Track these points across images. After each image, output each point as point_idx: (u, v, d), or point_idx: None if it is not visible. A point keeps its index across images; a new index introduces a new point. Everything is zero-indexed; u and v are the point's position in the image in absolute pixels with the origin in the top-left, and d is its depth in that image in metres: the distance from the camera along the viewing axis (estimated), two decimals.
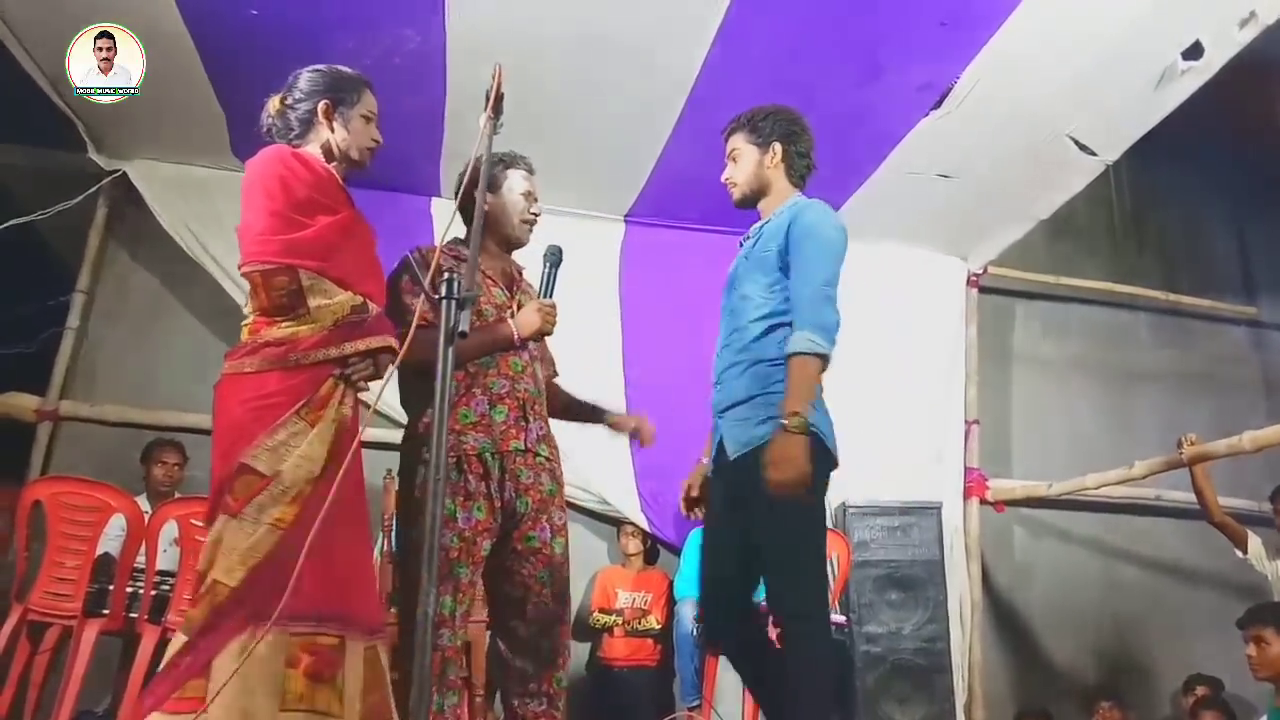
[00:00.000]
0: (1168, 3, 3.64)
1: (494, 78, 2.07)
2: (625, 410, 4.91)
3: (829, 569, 4.32)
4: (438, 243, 2.58)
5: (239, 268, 2.14)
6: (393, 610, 3.54)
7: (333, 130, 2.31)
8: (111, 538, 3.70)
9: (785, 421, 2.28)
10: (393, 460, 4.29)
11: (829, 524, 4.72)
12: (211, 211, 4.79)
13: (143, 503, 4.03)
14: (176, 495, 4.21)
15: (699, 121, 4.34)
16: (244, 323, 2.19)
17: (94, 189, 4.92)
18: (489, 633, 3.22)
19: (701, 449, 2.84)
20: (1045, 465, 5.72)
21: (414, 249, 2.60)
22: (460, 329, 1.70)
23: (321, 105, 2.30)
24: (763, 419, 2.43)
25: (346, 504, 2.08)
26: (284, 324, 2.11)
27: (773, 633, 2.73)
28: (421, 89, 4.23)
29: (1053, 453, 5.91)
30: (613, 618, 4.79)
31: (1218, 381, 6.40)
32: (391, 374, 2.18)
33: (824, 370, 2.42)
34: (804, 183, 2.79)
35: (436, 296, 1.75)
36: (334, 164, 2.31)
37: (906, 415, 5.41)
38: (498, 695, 2.79)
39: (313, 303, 2.11)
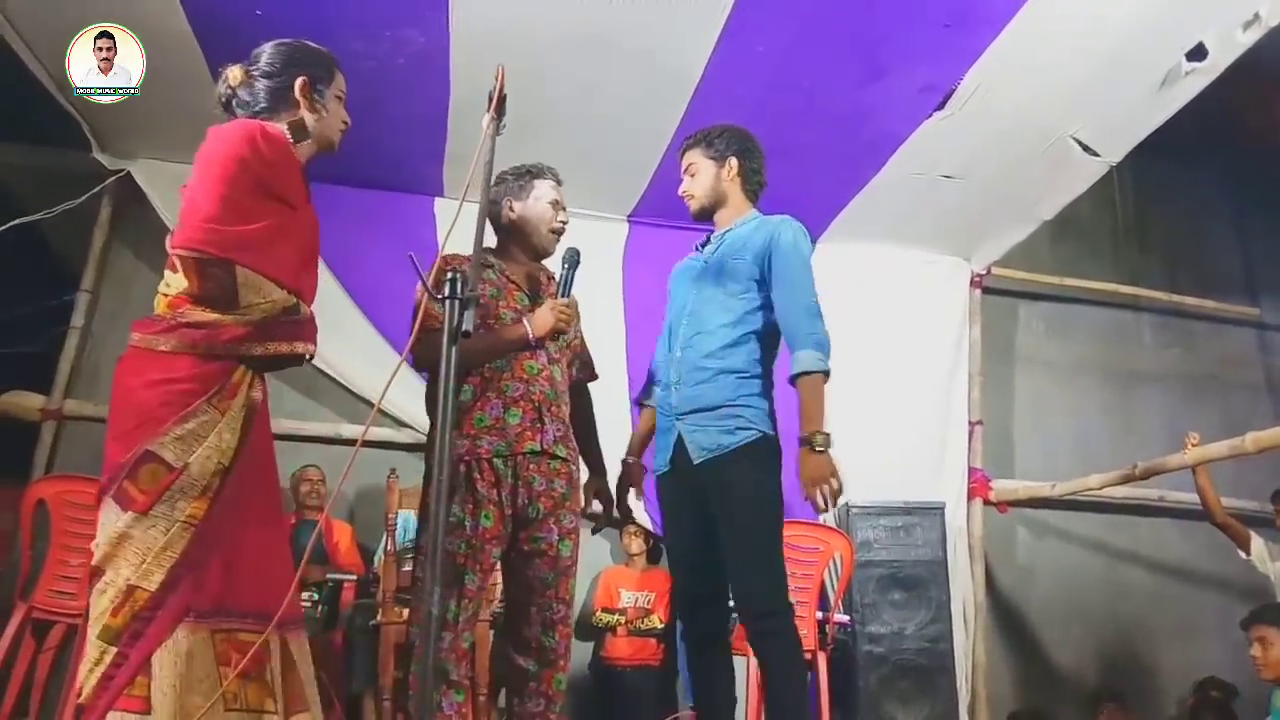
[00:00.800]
0: (1172, 4, 3.64)
1: (497, 78, 2.07)
2: (629, 415, 4.95)
3: (832, 569, 4.33)
4: (440, 243, 2.60)
5: (172, 246, 1.98)
6: (398, 610, 3.57)
7: (311, 109, 2.18)
8: None
9: (813, 442, 2.42)
10: (395, 459, 4.36)
11: (832, 524, 4.75)
12: None
13: None
14: None
15: (703, 122, 4.26)
16: (163, 292, 2.06)
17: (98, 188, 4.92)
18: (493, 631, 3.24)
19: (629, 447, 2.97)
20: (1048, 466, 5.72)
21: (441, 256, 2.55)
22: (464, 328, 1.70)
23: (299, 81, 2.16)
24: (732, 428, 2.56)
25: (259, 492, 2.03)
26: (209, 310, 1.98)
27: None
28: (425, 89, 4.24)
29: (1056, 453, 5.91)
30: (616, 617, 4.80)
31: (1221, 383, 6.39)
32: (395, 373, 2.17)
33: (825, 383, 2.53)
34: (757, 198, 2.89)
35: (440, 296, 1.75)
36: (302, 144, 2.17)
37: (910, 416, 5.42)
38: (501, 693, 2.82)
39: (244, 299, 1.97)
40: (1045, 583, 5.83)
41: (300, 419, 4.86)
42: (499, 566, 2.68)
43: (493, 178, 2.15)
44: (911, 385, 5.47)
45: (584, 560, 5.20)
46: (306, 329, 2.10)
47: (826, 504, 2.42)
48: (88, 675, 1.83)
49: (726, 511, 2.54)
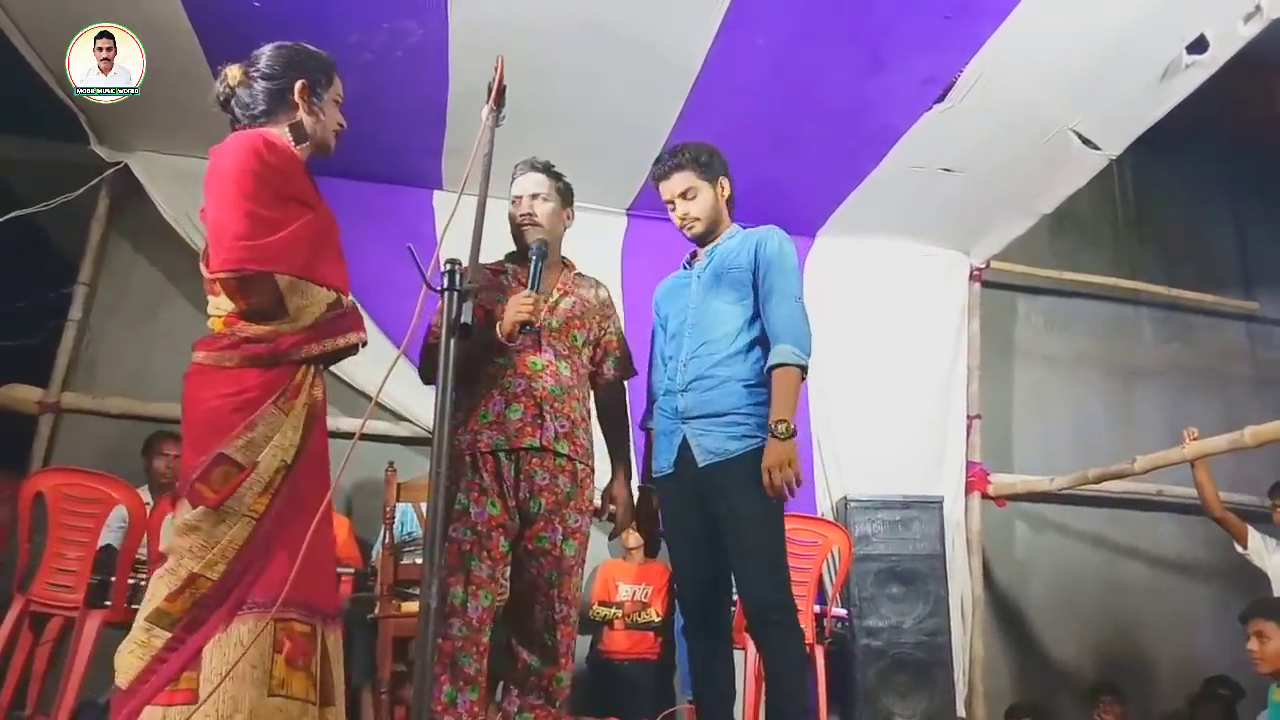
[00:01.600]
0: None
1: (496, 70, 2.07)
2: (628, 402, 4.96)
3: (830, 563, 4.34)
4: (439, 236, 2.60)
5: (210, 271, 2.05)
6: (396, 603, 3.58)
7: (309, 112, 2.22)
8: (113, 529, 3.71)
9: (775, 429, 2.49)
10: (392, 452, 4.36)
11: (830, 517, 4.75)
12: None
13: (144, 494, 4.04)
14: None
15: (702, 114, 4.33)
16: (214, 314, 2.13)
17: (96, 181, 4.91)
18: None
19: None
20: (1047, 460, 5.73)
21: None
22: (463, 320, 1.70)
23: (298, 85, 2.20)
24: (738, 435, 2.63)
25: (315, 489, 2.10)
26: (263, 323, 2.07)
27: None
28: (423, 82, 4.23)
29: (1055, 447, 5.91)
30: (613, 610, 4.80)
31: (1219, 376, 6.40)
32: (393, 366, 2.17)
33: (803, 379, 2.60)
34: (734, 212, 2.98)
35: (438, 289, 1.75)
36: (302, 146, 2.22)
37: (908, 410, 5.42)
38: (500, 687, 2.83)
39: (292, 304, 2.07)
40: (1043, 577, 5.83)
41: None
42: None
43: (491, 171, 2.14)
44: (910, 379, 5.47)
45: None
46: (353, 319, 2.21)
47: (784, 491, 2.48)
48: (128, 658, 1.90)
49: (731, 514, 2.61)
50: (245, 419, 2.02)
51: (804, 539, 4.03)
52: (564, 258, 2.95)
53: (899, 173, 4.84)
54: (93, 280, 5.00)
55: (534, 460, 2.59)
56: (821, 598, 4.17)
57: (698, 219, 2.84)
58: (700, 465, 2.66)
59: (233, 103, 2.22)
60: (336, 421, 4.87)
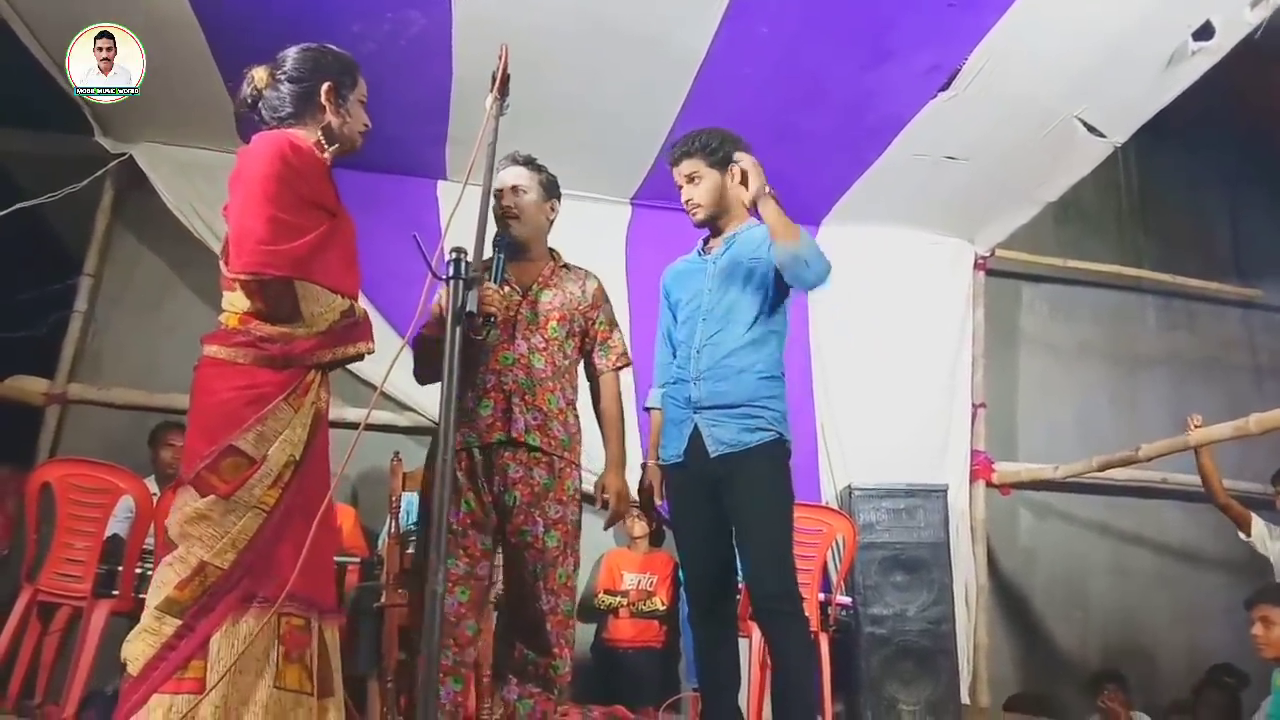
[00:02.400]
0: None
1: (500, 59, 2.07)
2: (634, 396, 4.96)
3: (835, 551, 4.34)
4: (443, 226, 2.60)
5: (231, 271, 2.09)
6: (402, 592, 3.59)
7: (336, 114, 2.27)
8: (120, 519, 3.73)
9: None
10: (398, 442, 4.37)
11: (835, 506, 4.76)
12: (218, 194, 4.69)
13: (151, 485, 4.05)
14: None
15: (706, 103, 4.32)
16: (229, 310, 2.16)
17: (100, 172, 4.91)
18: (495, 613, 3.26)
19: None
20: (1051, 448, 5.73)
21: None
22: (468, 309, 1.70)
23: (325, 87, 2.25)
24: (752, 428, 2.64)
25: (318, 486, 2.15)
26: (278, 325, 2.11)
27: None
28: (427, 72, 4.23)
29: (1059, 436, 5.91)
30: (618, 599, 4.82)
31: (1224, 364, 6.39)
32: (398, 356, 2.18)
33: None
34: None
35: (443, 278, 1.75)
36: (331, 148, 2.28)
37: (913, 398, 5.42)
38: (501, 676, 2.85)
39: (307, 310, 2.11)
40: (1047, 565, 5.84)
41: None
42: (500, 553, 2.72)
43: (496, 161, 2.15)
44: (915, 368, 5.47)
45: (587, 542, 5.22)
46: (364, 328, 2.25)
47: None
48: (139, 645, 1.93)
49: (741, 505, 2.62)
50: (257, 413, 2.06)
51: (809, 527, 4.04)
52: (551, 249, 2.94)
53: (903, 162, 4.83)
54: (98, 271, 5.01)
55: (505, 454, 2.60)
56: (826, 586, 4.17)
57: (700, 205, 2.84)
58: (711, 455, 2.66)
59: (260, 104, 2.27)
60: (341, 412, 4.86)
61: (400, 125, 4.60)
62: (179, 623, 1.93)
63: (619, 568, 4.93)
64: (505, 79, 2.07)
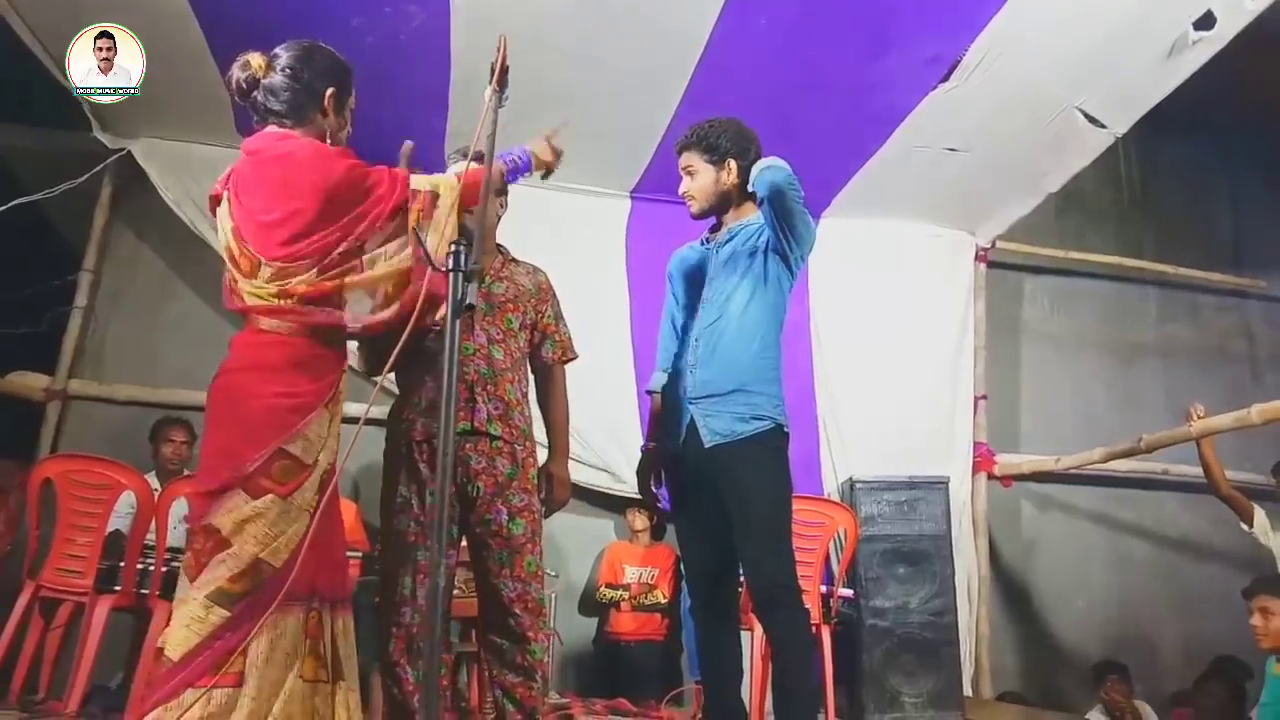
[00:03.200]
0: None
1: (498, 49, 2.06)
2: (635, 388, 4.97)
3: (837, 544, 4.35)
4: None
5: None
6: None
7: (337, 122, 2.31)
8: (122, 515, 3.72)
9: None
10: None
11: (836, 499, 4.76)
12: None
13: (152, 480, 4.05)
14: (185, 472, 4.23)
15: (705, 95, 4.31)
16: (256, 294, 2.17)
17: (99, 168, 4.92)
18: None
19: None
20: (1053, 440, 5.72)
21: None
22: (467, 301, 1.70)
23: (329, 92, 2.26)
24: (747, 417, 2.63)
25: (335, 485, 2.21)
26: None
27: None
28: (426, 65, 4.22)
29: (1060, 427, 5.91)
30: (620, 592, 4.83)
31: (1225, 355, 6.39)
32: (399, 350, 2.17)
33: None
34: None
35: (443, 270, 1.75)
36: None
37: (914, 390, 5.42)
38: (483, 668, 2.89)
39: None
40: (1049, 556, 5.84)
41: None
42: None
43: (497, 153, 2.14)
44: (916, 360, 5.47)
45: (589, 536, 5.25)
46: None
47: None
48: (183, 632, 1.97)
49: (739, 496, 2.61)
50: (303, 419, 2.12)
51: (811, 520, 4.04)
52: (499, 244, 2.96)
53: (904, 153, 4.82)
54: (97, 267, 5.01)
55: (468, 445, 2.62)
56: (828, 578, 4.18)
57: (694, 197, 2.86)
58: (707, 445, 2.65)
59: (254, 92, 2.24)
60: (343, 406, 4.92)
61: (399, 119, 4.57)
62: (227, 614, 1.97)
63: (620, 561, 4.94)
64: (504, 71, 2.06)
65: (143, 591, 3.53)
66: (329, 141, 2.28)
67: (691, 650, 4.55)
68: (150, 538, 3.60)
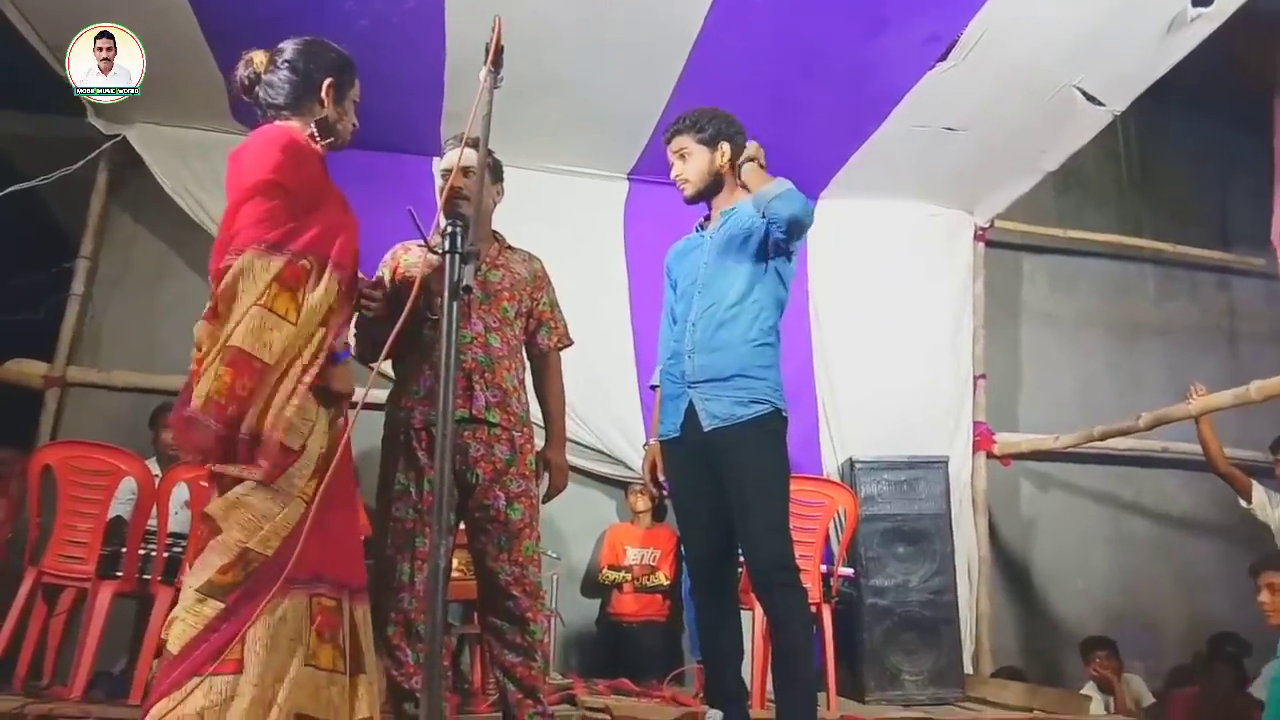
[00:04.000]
0: None
1: (494, 30, 2.04)
2: (635, 370, 4.97)
3: (837, 523, 4.36)
4: (439, 202, 2.58)
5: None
6: None
7: (336, 112, 2.31)
8: (123, 501, 3.73)
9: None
10: None
11: (836, 479, 4.76)
12: (212, 174, 4.77)
13: (153, 466, 4.05)
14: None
15: (702, 76, 4.29)
16: None
17: (95, 154, 4.90)
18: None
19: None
20: (1052, 419, 5.73)
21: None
22: (465, 283, 1.69)
23: (327, 82, 2.28)
24: (746, 400, 2.66)
25: (344, 472, 2.21)
26: None
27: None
28: (421, 48, 4.19)
29: (1060, 406, 5.92)
30: (622, 574, 4.85)
31: (1225, 333, 6.39)
32: (395, 334, 2.17)
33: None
34: None
35: (440, 251, 1.75)
36: (322, 142, 2.31)
37: (914, 370, 5.42)
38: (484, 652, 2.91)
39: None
40: (1049, 534, 5.86)
41: None
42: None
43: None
44: (915, 340, 5.47)
45: (590, 518, 5.26)
46: None
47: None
48: (180, 625, 1.97)
49: (738, 479, 2.63)
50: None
51: (811, 500, 4.04)
52: (495, 231, 2.96)
53: (902, 133, 4.81)
54: (94, 254, 4.99)
55: (465, 432, 2.63)
56: (828, 558, 4.19)
57: (687, 180, 2.88)
58: (706, 429, 2.67)
59: (256, 88, 2.28)
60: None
61: (395, 102, 4.56)
62: (221, 605, 1.97)
63: (622, 543, 4.96)
64: (499, 51, 2.05)
65: (145, 577, 3.54)
66: (330, 129, 2.30)
67: (693, 631, 4.57)
68: (151, 523, 3.61)
